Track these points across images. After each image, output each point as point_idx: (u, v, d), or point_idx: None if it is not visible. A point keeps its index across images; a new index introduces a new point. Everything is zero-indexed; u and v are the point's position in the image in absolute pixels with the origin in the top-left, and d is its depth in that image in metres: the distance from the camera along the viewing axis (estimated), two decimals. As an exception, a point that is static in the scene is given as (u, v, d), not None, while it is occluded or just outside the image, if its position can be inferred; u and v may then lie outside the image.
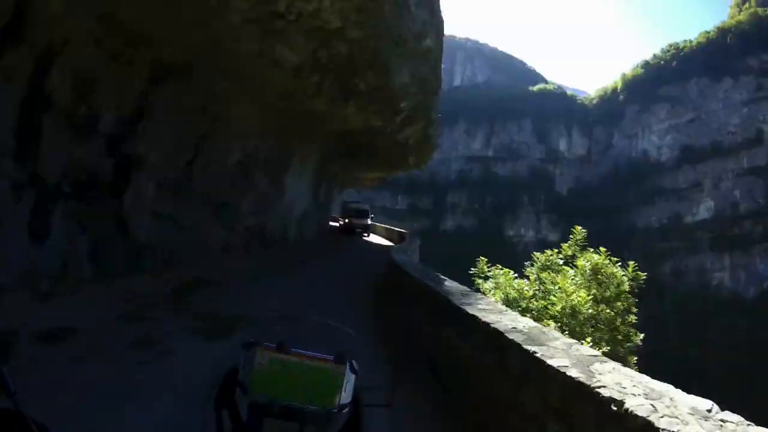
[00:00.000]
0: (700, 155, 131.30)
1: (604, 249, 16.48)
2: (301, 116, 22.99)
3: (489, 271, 18.14)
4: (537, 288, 16.44)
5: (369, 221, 52.99)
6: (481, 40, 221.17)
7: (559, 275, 15.91)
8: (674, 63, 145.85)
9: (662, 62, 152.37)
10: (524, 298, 16.07)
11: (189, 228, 19.63)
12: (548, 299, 15.06)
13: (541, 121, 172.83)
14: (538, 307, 15.15)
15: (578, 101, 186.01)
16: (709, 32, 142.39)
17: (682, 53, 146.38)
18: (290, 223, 31.64)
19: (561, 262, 17.50)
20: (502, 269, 17.73)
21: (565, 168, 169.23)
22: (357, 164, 40.63)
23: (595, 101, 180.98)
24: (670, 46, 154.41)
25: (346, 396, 2.01)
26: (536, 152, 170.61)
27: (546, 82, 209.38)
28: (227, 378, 2.10)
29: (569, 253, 17.68)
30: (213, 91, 18.15)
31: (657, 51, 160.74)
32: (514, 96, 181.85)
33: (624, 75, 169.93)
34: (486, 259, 18.80)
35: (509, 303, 15.45)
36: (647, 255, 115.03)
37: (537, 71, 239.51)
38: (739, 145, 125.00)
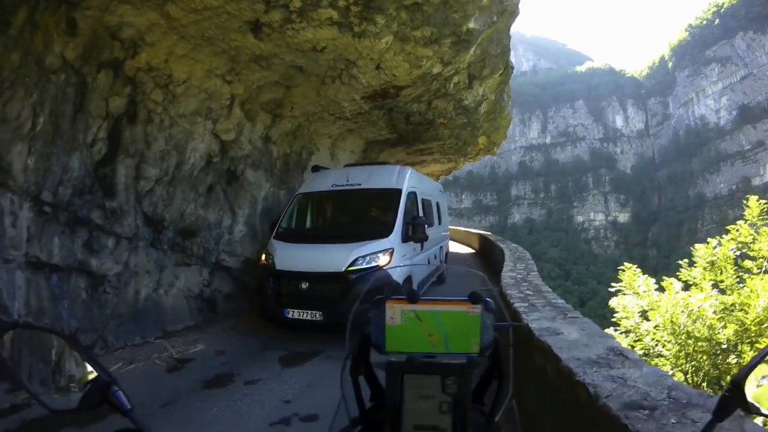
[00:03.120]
0: (759, 113, 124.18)
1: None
2: (302, 68, 13.07)
3: (638, 284, 13.62)
4: (716, 301, 11.71)
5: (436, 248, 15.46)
6: (520, 29, 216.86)
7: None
8: (717, 21, 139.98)
9: (705, 22, 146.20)
10: (704, 323, 11.33)
11: (116, 283, 10.73)
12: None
13: (595, 101, 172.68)
14: (731, 337, 10.94)
15: (628, 75, 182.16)
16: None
17: (723, 10, 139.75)
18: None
19: (734, 253, 13.07)
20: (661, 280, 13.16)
21: (625, 145, 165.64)
22: (413, 154, 26.03)
23: (645, 73, 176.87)
24: (711, 4, 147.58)
25: (487, 337, 1.91)
26: (594, 133, 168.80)
27: (591, 60, 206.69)
28: (360, 344, 2.01)
29: (745, 238, 13.19)
30: None
31: (699, 12, 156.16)
32: (564, 79, 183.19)
33: (670, 42, 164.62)
34: (633, 266, 14.17)
35: (681, 334, 11.62)
36: (721, 223, 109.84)
37: (580, 52, 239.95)
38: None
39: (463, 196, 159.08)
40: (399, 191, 11.79)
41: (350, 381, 1.95)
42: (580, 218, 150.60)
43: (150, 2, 9.35)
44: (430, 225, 13.70)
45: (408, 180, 12.39)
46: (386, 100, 15.92)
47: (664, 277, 13.19)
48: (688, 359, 11.68)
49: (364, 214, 12.70)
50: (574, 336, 5.23)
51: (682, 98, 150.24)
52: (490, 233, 31.44)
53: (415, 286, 11.25)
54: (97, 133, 10.15)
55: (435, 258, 14.95)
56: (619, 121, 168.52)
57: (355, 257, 10.12)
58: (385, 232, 10.85)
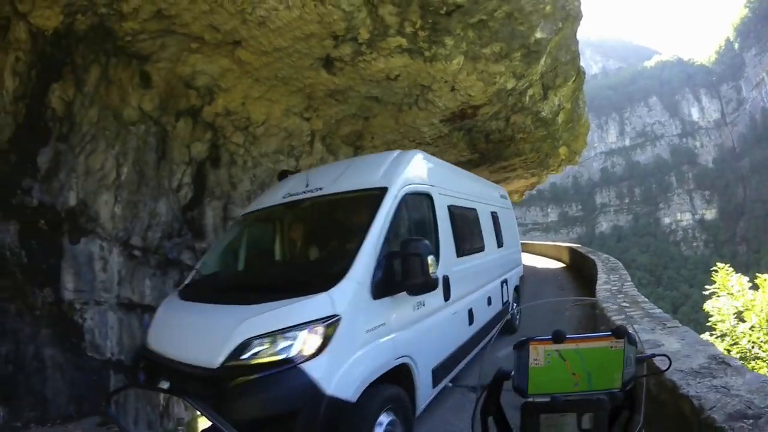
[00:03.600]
0: None
1: None
2: (378, 98, 12.78)
3: (732, 284, 12.91)
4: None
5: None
6: (585, 33, 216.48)
7: None
8: None
9: None
10: None
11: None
12: None
13: (668, 95, 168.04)
14: None
15: (697, 63, 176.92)
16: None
17: None
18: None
19: None
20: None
21: (704, 138, 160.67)
22: (497, 172, 26.20)
23: (713, 58, 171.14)
24: None
25: (629, 371, 1.86)
26: (671, 129, 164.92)
27: (658, 53, 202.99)
28: (492, 384, 1.96)
29: None
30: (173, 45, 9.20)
31: None
32: (635, 77, 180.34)
33: (733, 22, 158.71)
34: (725, 266, 13.51)
35: None
36: None
37: (647, 46, 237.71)
38: None
39: (549, 210, 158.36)
40: (382, 193, 5.76)
41: (480, 420, 1.92)
42: (667, 220, 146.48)
43: (220, 50, 9.35)
44: (475, 249, 8.72)
45: (409, 172, 6.37)
46: (465, 120, 15.54)
47: (757, 274, 12.45)
48: (786, 359, 10.96)
49: (310, 243, 7.12)
50: (675, 346, 5.08)
51: (753, 80, 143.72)
52: (579, 245, 30.31)
53: (422, 385, 5.58)
54: (182, 179, 10.28)
55: (489, 305, 9.04)
56: (695, 114, 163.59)
57: (245, 338, 4.32)
58: (327, 279, 4.84)
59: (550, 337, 1.86)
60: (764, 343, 11.26)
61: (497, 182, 24.20)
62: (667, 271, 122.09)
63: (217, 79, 10.11)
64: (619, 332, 1.85)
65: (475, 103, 14.22)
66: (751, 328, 11.59)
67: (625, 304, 8.21)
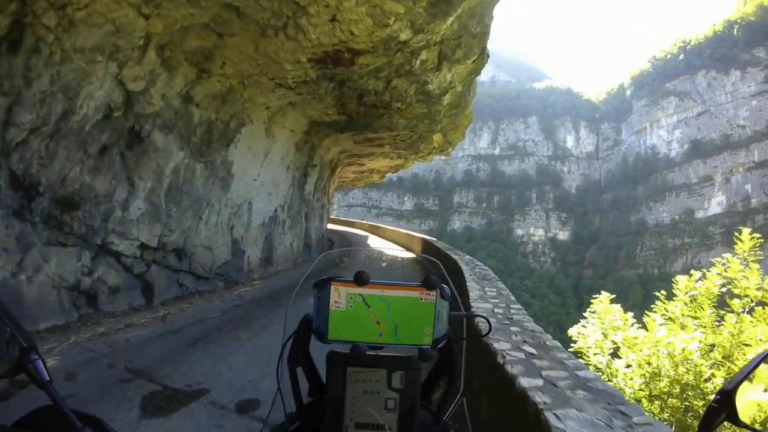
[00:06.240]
0: (710, 149, 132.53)
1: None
2: (239, 10, 10.97)
3: (613, 317, 12.55)
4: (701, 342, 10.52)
5: None
6: None
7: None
8: (681, 57, 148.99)
9: (669, 56, 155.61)
10: (690, 368, 9.99)
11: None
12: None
13: (548, 119, 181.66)
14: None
15: (585, 98, 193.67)
16: (715, 25, 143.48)
17: (689, 47, 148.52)
18: (247, 240, 17.27)
19: (718, 288, 11.67)
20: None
21: (573, 165, 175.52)
22: (362, 143, 23.74)
23: (602, 98, 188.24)
24: (678, 40, 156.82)
25: (440, 328, 1.62)
26: (543, 150, 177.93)
27: (550, 79, 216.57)
28: (299, 330, 1.73)
29: (733, 273, 11.50)
30: None
31: (664, 46, 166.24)
32: (520, 93, 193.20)
33: (631, 71, 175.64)
34: (609, 295, 13.30)
35: (654, 378, 10.52)
36: (659, 251, 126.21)
37: (541, 70, 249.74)
38: (749, 138, 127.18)
39: (406, 198, 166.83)
40: None
41: (288, 371, 1.68)
42: (519, 231, 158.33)
43: None
44: None
45: None
46: (338, 68, 14.02)
47: (646, 312, 12.65)
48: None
49: None
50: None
51: (635, 126, 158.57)
52: (436, 239, 30.03)
53: None
54: (-37, 59, 8.17)
55: None
56: (569, 141, 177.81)
57: None
58: None
59: (352, 279, 1.53)
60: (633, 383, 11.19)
61: (360, 155, 23.08)
62: (511, 278, 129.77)
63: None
64: (430, 283, 1.53)
65: (355, 47, 12.75)
66: (627, 366, 11.46)
67: (528, 349, 5.19)
